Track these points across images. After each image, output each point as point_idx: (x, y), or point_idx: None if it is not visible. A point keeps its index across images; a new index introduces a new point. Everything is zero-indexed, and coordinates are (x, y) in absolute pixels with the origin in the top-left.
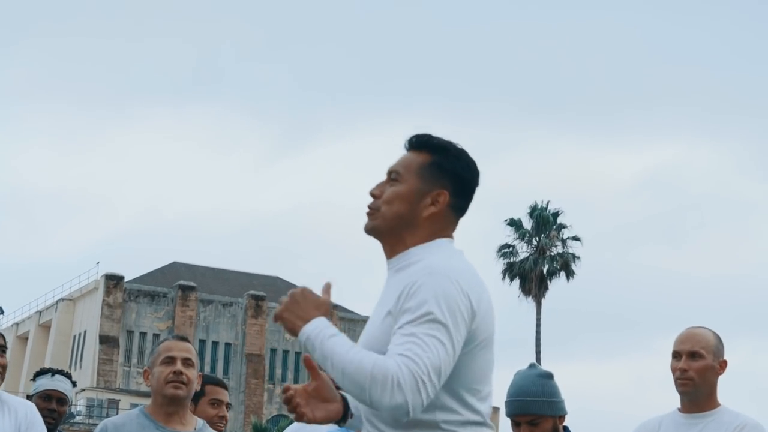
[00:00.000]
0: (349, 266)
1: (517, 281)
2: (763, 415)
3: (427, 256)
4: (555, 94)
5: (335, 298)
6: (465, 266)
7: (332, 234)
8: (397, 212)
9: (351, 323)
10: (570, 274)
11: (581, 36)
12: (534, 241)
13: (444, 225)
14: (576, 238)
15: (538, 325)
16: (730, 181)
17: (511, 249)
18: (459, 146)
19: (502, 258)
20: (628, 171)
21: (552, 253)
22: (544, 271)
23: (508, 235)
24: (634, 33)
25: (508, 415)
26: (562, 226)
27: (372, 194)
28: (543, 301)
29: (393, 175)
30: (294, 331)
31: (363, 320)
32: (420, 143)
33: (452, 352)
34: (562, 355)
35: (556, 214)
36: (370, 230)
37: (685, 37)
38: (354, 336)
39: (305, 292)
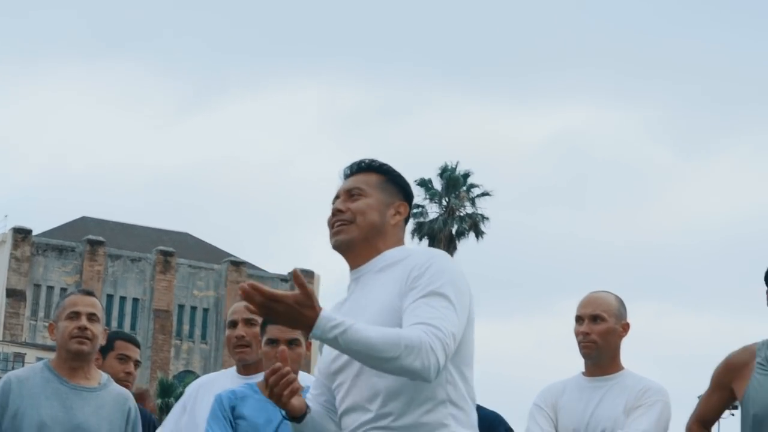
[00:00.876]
0: (257, 223)
1: (426, 241)
2: (666, 379)
3: (411, 253)
4: (466, 55)
5: (243, 255)
6: None
7: (240, 191)
8: (371, 221)
9: (259, 281)
10: (479, 234)
11: None
12: (443, 201)
13: (402, 232)
14: (486, 194)
15: None
16: (637, 146)
17: (420, 209)
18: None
19: (411, 218)
20: (537, 133)
21: (461, 214)
22: (453, 232)
23: (418, 195)
24: None
25: None
26: (471, 186)
27: (338, 209)
28: None
29: (355, 191)
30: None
31: (271, 277)
32: (369, 167)
33: (460, 324)
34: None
35: (465, 175)
36: (346, 242)
37: (595, 0)
38: None
39: (283, 304)
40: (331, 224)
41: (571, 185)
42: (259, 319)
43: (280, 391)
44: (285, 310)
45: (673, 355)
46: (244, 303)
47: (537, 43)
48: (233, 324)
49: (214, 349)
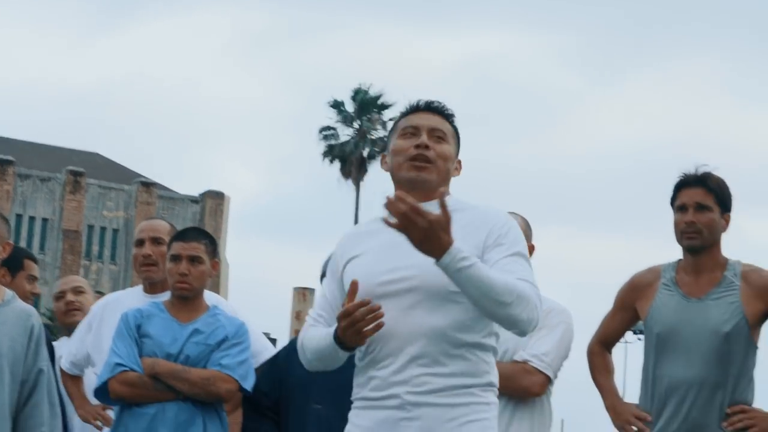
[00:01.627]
0: (167, 143)
1: (337, 163)
2: (574, 304)
3: (476, 204)
4: None
5: (153, 175)
6: None
7: (150, 111)
8: (447, 169)
9: (170, 201)
10: None
11: None
12: (356, 124)
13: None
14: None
15: (357, 208)
16: (549, 72)
17: (332, 131)
18: None
19: (323, 140)
20: (450, 57)
21: (373, 137)
22: (365, 154)
23: (330, 118)
24: None
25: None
26: (384, 108)
27: (427, 145)
28: (362, 184)
29: (439, 133)
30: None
31: (181, 199)
32: (445, 113)
33: None
34: None
35: (378, 98)
36: (426, 181)
37: None
38: (173, 214)
39: (425, 220)
40: (414, 157)
41: (481, 110)
42: (167, 238)
43: (363, 327)
44: (425, 226)
45: (581, 280)
46: (152, 222)
47: None
48: (140, 242)
49: (124, 270)
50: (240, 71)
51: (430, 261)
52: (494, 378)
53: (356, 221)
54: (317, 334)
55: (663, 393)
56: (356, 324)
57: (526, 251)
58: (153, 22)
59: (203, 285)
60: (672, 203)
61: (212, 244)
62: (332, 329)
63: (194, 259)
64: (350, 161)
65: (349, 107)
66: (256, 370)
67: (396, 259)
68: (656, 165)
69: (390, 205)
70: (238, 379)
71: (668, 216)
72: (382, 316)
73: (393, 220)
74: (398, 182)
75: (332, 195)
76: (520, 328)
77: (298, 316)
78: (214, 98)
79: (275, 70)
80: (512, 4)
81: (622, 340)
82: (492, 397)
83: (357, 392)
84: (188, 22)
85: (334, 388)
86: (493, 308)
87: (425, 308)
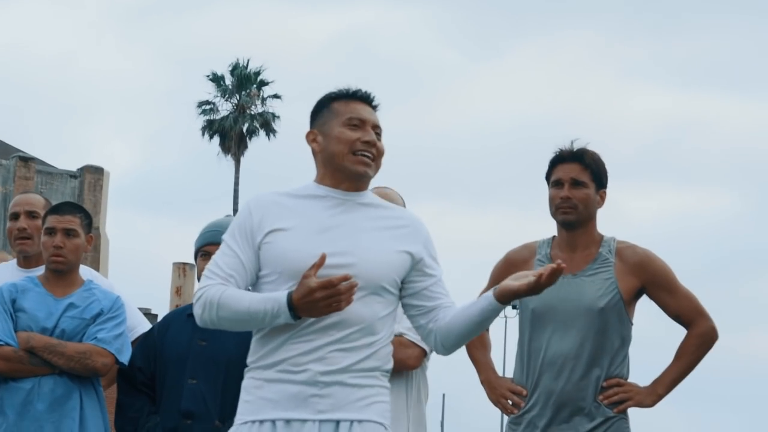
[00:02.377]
0: (44, 118)
1: (216, 138)
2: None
3: (388, 203)
4: None
5: (32, 150)
6: None
7: (28, 84)
8: (379, 167)
9: (48, 176)
10: (270, 132)
11: None
12: (235, 98)
13: None
14: (277, 96)
15: (236, 183)
16: (426, 45)
17: (211, 106)
18: None
19: (202, 114)
20: (327, 30)
21: (252, 112)
22: (244, 130)
23: (209, 92)
24: None
25: (201, 245)
26: (263, 84)
27: (374, 143)
28: (242, 159)
29: (378, 131)
30: None
31: (60, 174)
32: (376, 105)
33: None
34: None
35: (257, 73)
36: (369, 176)
37: None
38: (51, 189)
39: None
40: (359, 151)
41: (356, 84)
42: (42, 212)
43: (340, 301)
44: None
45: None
46: (27, 195)
47: None
48: (15, 216)
49: (2, 246)
50: (117, 45)
51: (366, 253)
52: (390, 365)
53: (236, 196)
54: (246, 296)
55: (538, 367)
56: (334, 296)
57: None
58: None
59: (78, 259)
60: (547, 178)
61: (87, 218)
62: (278, 294)
63: (69, 232)
64: (230, 136)
65: (228, 81)
66: (132, 343)
67: (333, 245)
68: (536, 141)
69: (556, 272)
70: (114, 353)
71: (545, 192)
72: (349, 301)
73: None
74: (334, 168)
75: (211, 170)
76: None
77: (178, 291)
78: (92, 72)
79: (153, 43)
80: None
81: (501, 315)
82: (386, 380)
83: (262, 362)
84: None
85: (208, 363)
86: (472, 337)
87: (357, 296)
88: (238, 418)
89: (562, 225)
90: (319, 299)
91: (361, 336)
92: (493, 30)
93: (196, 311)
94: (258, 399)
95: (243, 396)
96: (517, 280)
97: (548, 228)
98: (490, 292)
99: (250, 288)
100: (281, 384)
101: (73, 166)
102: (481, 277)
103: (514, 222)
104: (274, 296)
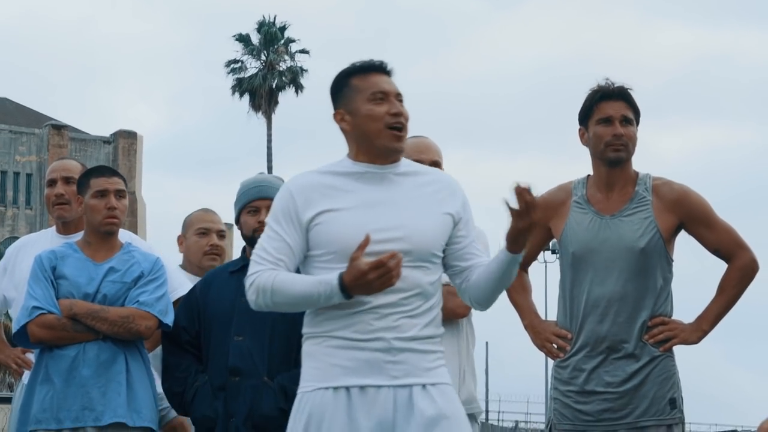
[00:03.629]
0: (74, 84)
1: (246, 97)
2: (483, 225)
3: (422, 168)
4: None
5: (64, 118)
6: None
7: (53, 52)
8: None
9: (82, 143)
10: (299, 87)
11: None
12: (262, 56)
13: None
14: (304, 51)
15: (269, 141)
16: None
17: (239, 64)
18: None
19: (231, 74)
20: None
21: (281, 68)
22: (273, 86)
23: (237, 51)
24: None
25: (248, 201)
26: (290, 41)
27: (402, 114)
28: (273, 116)
29: (401, 98)
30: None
31: (93, 140)
32: (390, 71)
33: None
34: (294, 169)
35: (283, 29)
36: (402, 150)
37: None
38: (86, 155)
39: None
40: (391, 125)
41: (377, 34)
42: (77, 177)
43: (392, 278)
44: (537, 219)
45: (488, 204)
46: (63, 161)
47: None
48: (52, 182)
49: (40, 214)
50: (137, 7)
51: (414, 223)
52: (442, 329)
53: (269, 153)
54: (298, 280)
55: (582, 310)
56: (386, 275)
57: None
58: None
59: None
60: (586, 116)
61: (125, 182)
62: (329, 277)
63: (119, 194)
64: (259, 94)
65: (255, 40)
66: (174, 304)
67: (383, 220)
68: (561, 81)
69: (521, 193)
70: (157, 315)
71: (573, 133)
72: (398, 275)
73: (513, 208)
74: (369, 145)
75: (244, 129)
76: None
77: None
78: (115, 35)
79: (170, 3)
80: None
81: (540, 259)
82: (440, 345)
83: (329, 330)
84: None
85: (253, 320)
86: (503, 290)
87: (411, 266)
88: (307, 384)
89: (612, 163)
90: (372, 280)
91: (421, 301)
92: None
93: (250, 297)
94: (329, 366)
95: (309, 362)
96: None
97: (578, 169)
98: (502, 243)
99: (300, 269)
100: (353, 351)
101: (105, 132)
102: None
103: (544, 164)
104: (326, 279)
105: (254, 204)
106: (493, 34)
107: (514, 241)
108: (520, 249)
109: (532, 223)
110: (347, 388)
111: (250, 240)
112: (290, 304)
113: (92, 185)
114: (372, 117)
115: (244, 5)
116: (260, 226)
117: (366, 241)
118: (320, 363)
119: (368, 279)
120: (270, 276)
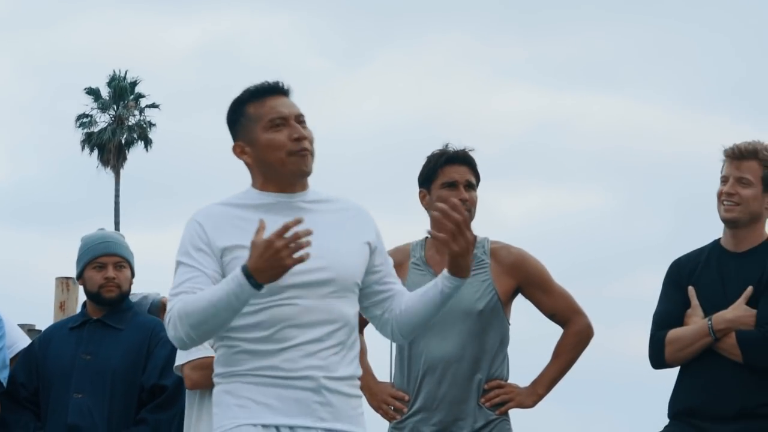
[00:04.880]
0: None
1: (96, 152)
2: None
3: (333, 194)
4: None
5: None
6: None
7: None
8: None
9: None
10: (148, 143)
11: None
12: (112, 110)
13: None
14: (154, 106)
15: (117, 195)
16: (291, 52)
17: (89, 119)
18: None
19: (80, 128)
20: (189, 38)
21: (130, 123)
22: (123, 141)
23: (86, 105)
24: None
25: (93, 257)
26: (140, 96)
27: (305, 137)
28: (122, 171)
29: (303, 119)
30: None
31: None
32: (287, 90)
33: None
34: (142, 224)
35: (134, 84)
36: (309, 173)
37: None
38: None
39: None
40: (294, 151)
41: (220, 92)
42: None
43: (289, 254)
44: (472, 239)
45: None
46: None
47: None
48: None
49: None
50: None
51: (335, 252)
52: None
53: (116, 208)
54: (204, 293)
55: (420, 371)
56: (281, 251)
57: None
58: None
59: None
60: (428, 179)
61: None
62: (232, 274)
63: None
64: (108, 149)
65: (105, 94)
66: (12, 360)
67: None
68: (405, 144)
69: (446, 214)
70: None
71: (414, 195)
72: (308, 243)
73: (440, 235)
74: (275, 175)
75: (92, 184)
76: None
77: (62, 306)
78: None
79: (24, 53)
80: None
81: None
82: None
83: (251, 366)
84: None
85: (94, 377)
86: (431, 321)
87: (338, 297)
88: (228, 422)
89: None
90: (280, 249)
91: (345, 336)
92: (360, 36)
93: (170, 334)
94: (254, 403)
95: (229, 400)
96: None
97: (418, 229)
98: (444, 271)
99: None
100: (281, 389)
101: None
102: None
103: (385, 225)
104: (230, 275)
105: (100, 260)
106: (336, 93)
107: (456, 266)
108: (465, 273)
109: (469, 242)
110: (277, 428)
111: (95, 296)
112: (205, 320)
113: None
114: (273, 146)
115: (94, 58)
116: (106, 282)
117: (262, 225)
118: (244, 401)
119: (276, 247)
120: (179, 303)
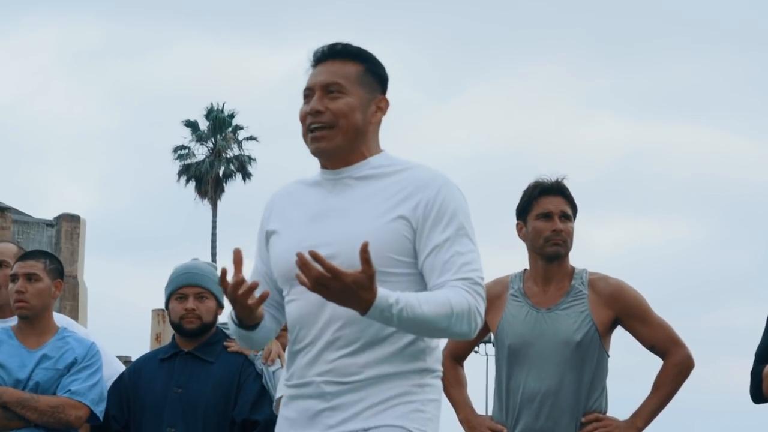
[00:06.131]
0: (17, 166)
1: (193, 183)
2: None
3: (402, 164)
4: None
5: (6, 200)
6: None
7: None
8: (355, 124)
9: (25, 226)
10: (246, 175)
11: None
12: (210, 142)
13: (378, 129)
14: (252, 138)
15: (214, 227)
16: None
17: (187, 150)
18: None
19: (178, 159)
20: (280, 69)
21: (228, 156)
22: (221, 174)
23: (184, 137)
24: None
25: (176, 288)
26: (238, 128)
27: (317, 110)
28: (219, 203)
29: (334, 87)
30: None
31: (36, 223)
32: (347, 53)
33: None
34: None
35: (232, 116)
36: (330, 150)
37: None
38: (28, 238)
39: (340, 283)
40: (308, 126)
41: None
42: (12, 261)
43: (244, 301)
44: (340, 289)
45: None
46: None
47: None
48: None
49: None
50: (79, 88)
51: (350, 236)
52: (431, 363)
53: (213, 239)
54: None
55: (517, 404)
56: (238, 300)
57: (467, 223)
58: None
59: (44, 303)
60: (524, 211)
61: (53, 264)
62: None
63: (30, 277)
64: (206, 180)
65: (203, 126)
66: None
67: (317, 235)
68: (491, 176)
69: (302, 265)
70: (88, 405)
71: (508, 224)
72: (254, 287)
73: (304, 279)
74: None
75: (190, 215)
76: (463, 339)
77: (158, 338)
78: (60, 119)
79: (111, 88)
80: (345, 16)
81: (482, 352)
82: (428, 379)
83: (285, 382)
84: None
85: (186, 411)
86: (434, 336)
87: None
88: None
89: (550, 258)
90: (235, 298)
91: (367, 332)
92: (453, 66)
93: None
94: (282, 419)
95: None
96: None
97: (509, 260)
98: None
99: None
100: (295, 401)
101: (49, 215)
102: None
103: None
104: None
105: (182, 291)
106: (427, 123)
107: (339, 304)
108: (356, 310)
109: (346, 285)
110: None
111: (177, 327)
112: (239, 339)
113: (12, 270)
114: (300, 119)
115: (192, 91)
116: (187, 314)
117: (236, 257)
118: (280, 419)
119: (231, 298)
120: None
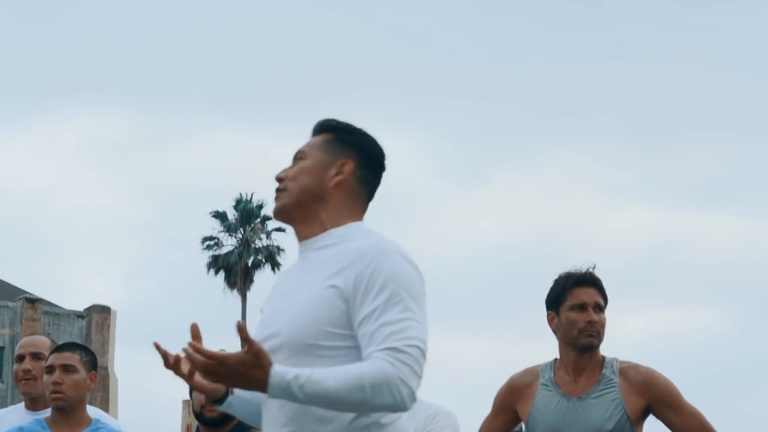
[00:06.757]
0: (48, 258)
1: (222, 274)
2: (455, 406)
3: (357, 236)
4: (240, 83)
5: (38, 291)
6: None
7: (25, 224)
8: (303, 186)
9: (55, 317)
10: (275, 265)
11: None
12: (239, 233)
13: (352, 199)
14: (281, 230)
15: (244, 318)
16: (403, 172)
17: (215, 241)
18: (361, 128)
19: (206, 250)
20: None
21: (257, 246)
22: (250, 264)
23: (213, 228)
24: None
25: None
26: (266, 219)
27: (278, 178)
28: (248, 294)
29: (298, 155)
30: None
31: (67, 314)
32: (323, 127)
33: (425, 326)
34: None
35: (260, 207)
36: (279, 210)
37: (370, 24)
38: (59, 329)
39: (226, 366)
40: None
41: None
42: (47, 353)
43: (177, 373)
44: (229, 373)
45: (455, 383)
46: (32, 337)
47: (314, 70)
48: (21, 358)
49: (12, 388)
50: (106, 182)
51: (290, 311)
52: None
53: None
54: None
55: None
56: (179, 376)
57: (402, 285)
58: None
59: (79, 395)
60: (557, 301)
61: (88, 355)
62: None
63: (67, 368)
64: (235, 271)
65: (231, 217)
66: None
67: (270, 314)
68: (516, 264)
69: (188, 359)
70: None
71: (533, 313)
72: (178, 358)
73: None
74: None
75: (219, 306)
76: (394, 411)
77: (189, 429)
78: (87, 209)
79: (139, 179)
80: (374, 104)
81: None
82: None
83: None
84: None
85: None
86: (353, 410)
87: (295, 364)
88: None
89: (583, 349)
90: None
91: (309, 412)
92: (479, 155)
93: None
94: None
95: None
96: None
97: (534, 350)
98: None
99: None
100: None
101: (79, 306)
102: (476, 402)
103: (498, 343)
104: None
105: None
106: (453, 212)
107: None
108: (258, 390)
109: (231, 369)
110: None
111: (198, 416)
112: None
113: (46, 362)
114: None
115: (220, 182)
116: (207, 403)
117: (193, 329)
118: None
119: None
120: None
